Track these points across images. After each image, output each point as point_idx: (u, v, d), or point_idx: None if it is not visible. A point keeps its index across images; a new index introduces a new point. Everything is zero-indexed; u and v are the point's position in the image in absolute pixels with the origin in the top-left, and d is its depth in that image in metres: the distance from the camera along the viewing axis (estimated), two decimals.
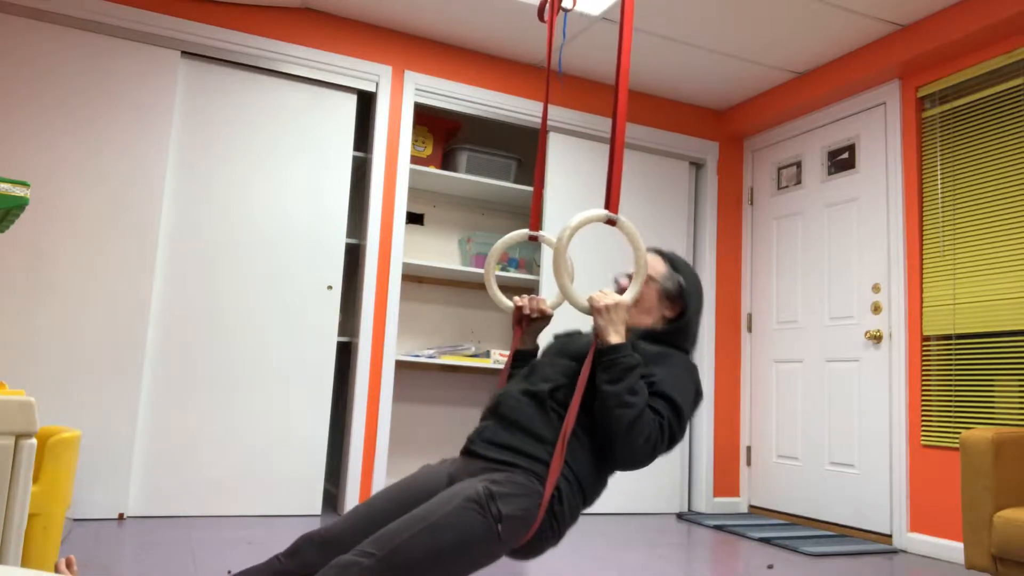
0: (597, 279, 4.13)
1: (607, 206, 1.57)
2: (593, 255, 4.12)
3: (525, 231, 1.97)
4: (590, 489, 1.61)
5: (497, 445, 1.59)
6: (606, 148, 4.27)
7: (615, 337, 1.58)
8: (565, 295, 1.59)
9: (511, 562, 2.69)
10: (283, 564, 1.53)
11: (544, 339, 1.89)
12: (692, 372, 1.71)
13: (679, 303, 1.80)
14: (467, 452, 1.65)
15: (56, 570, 1.67)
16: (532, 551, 1.57)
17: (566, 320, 3.92)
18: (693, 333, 1.81)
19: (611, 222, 1.58)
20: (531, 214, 1.99)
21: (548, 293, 4.00)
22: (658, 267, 1.81)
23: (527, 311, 1.86)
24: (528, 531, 1.49)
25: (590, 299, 1.61)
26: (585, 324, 3.96)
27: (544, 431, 1.57)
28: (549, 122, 4.09)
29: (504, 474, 1.51)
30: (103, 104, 3.25)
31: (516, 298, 1.88)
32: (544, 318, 1.88)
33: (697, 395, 1.69)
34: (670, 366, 1.67)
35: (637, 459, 1.57)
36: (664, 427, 1.58)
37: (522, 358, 1.89)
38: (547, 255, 4.01)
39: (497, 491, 1.45)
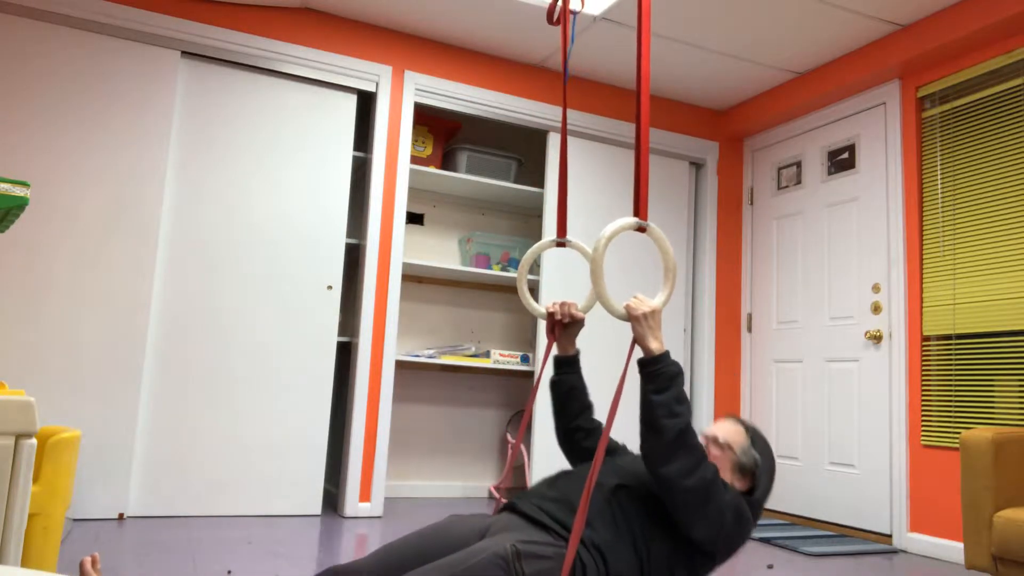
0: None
1: (636, 213, 1.58)
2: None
3: (553, 239, 1.98)
4: None
5: (543, 511, 1.60)
6: (606, 148, 4.28)
7: (655, 343, 1.58)
8: (604, 304, 1.59)
9: None
10: None
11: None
12: (747, 508, 1.68)
13: (750, 480, 1.77)
14: (511, 509, 1.66)
15: (81, 569, 1.68)
16: None
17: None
18: (757, 513, 1.77)
19: (642, 229, 1.59)
20: (558, 221, 1.99)
21: (548, 293, 4.01)
22: (738, 439, 1.78)
23: (559, 316, 1.87)
24: None
25: (627, 307, 1.61)
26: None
27: (593, 517, 1.57)
28: (549, 122, 4.09)
29: (541, 535, 1.52)
30: (103, 104, 3.25)
31: (548, 305, 1.89)
32: (577, 322, 1.89)
33: (741, 512, 1.63)
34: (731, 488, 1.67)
35: (683, 472, 1.52)
36: (713, 468, 1.56)
37: (563, 363, 1.91)
38: (547, 255, 4.01)
39: (524, 551, 1.45)
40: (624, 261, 4.22)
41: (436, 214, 4.38)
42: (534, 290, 4.21)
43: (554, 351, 1.94)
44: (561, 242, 1.97)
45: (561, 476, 1.74)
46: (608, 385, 4.08)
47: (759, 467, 1.76)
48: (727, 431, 1.79)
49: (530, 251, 1.96)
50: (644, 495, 1.64)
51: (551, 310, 1.88)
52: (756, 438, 1.81)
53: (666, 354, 1.58)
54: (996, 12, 3.12)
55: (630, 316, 1.60)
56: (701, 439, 1.78)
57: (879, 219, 3.75)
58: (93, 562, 1.68)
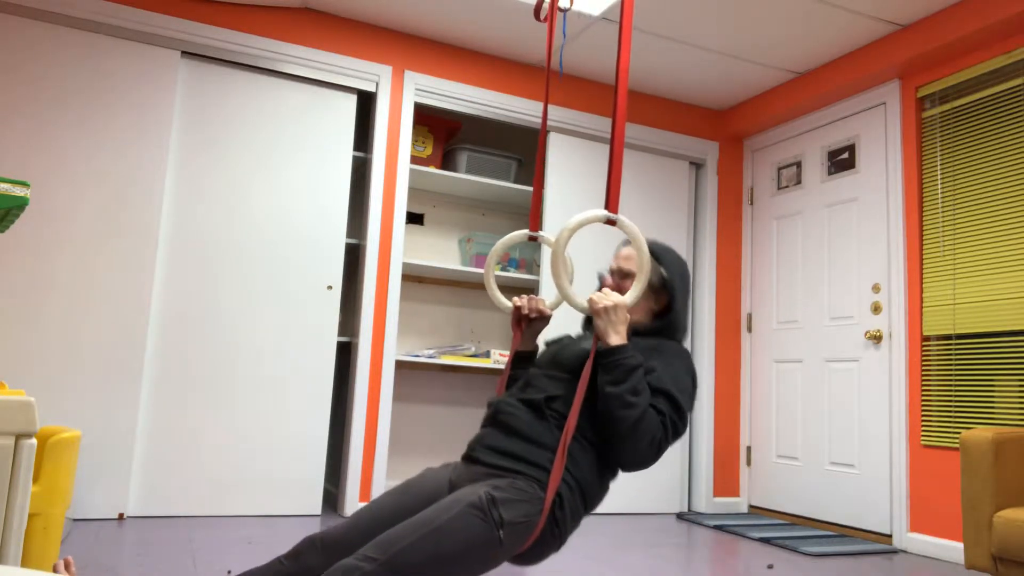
0: (596, 280, 4.12)
1: (607, 206, 1.56)
2: (593, 256, 4.12)
3: (525, 231, 1.97)
4: (592, 494, 1.61)
5: (499, 452, 1.59)
6: (606, 148, 4.27)
7: (616, 338, 1.58)
8: (564, 296, 1.58)
9: (512, 565, 2.68)
10: (285, 566, 1.53)
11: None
12: (686, 360, 1.71)
13: (664, 295, 1.78)
14: (468, 458, 1.65)
15: (54, 571, 1.67)
16: (534, 556, 1.57)
17: (565, 320, 3.93)
18: (683, 323, 1.79)
19: (611, 222, 1.57)
20: (531, 214, 1.99)
21: (548, 293, 4.00)
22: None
23: (526, 311, 1.85)
24: (530, 537, 1.49)
25: (590, 300, 1.60)
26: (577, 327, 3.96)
27: (544, 438, 1.57)
28: (549, 122, 4.09)
29: (506, 480, 1.51)
30: (103, 104, 3.25)
31: (515, 299, 1.87)
32: (543, 318, 1.87)
33: (694, 383, 1.69)
34: (664, 358, 1.66)
35: (643, 459, 1.57)
36: (667, 425, 1.58)
37: (523, 359, 1.88)
38: (547, 255, 4.01)
39: (499, 497, 1.45)
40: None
41: (436, 214, 4.38)
42: (533, 289, 4.21)
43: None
44: (533, 236, 1.96)
45: (500, 407, 1.68)
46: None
47: (667, 280, 1.77)
48: (626, 258, 1.79)
49: (500, 243, 1.93)
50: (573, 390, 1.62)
51: (519, 304, 1.86)
52: (658, 253, 1.80)
53: (625, 346, 1.57)
54: (996, 12, 3.12)
55: (592, 309, 1.60)
56: (607, 278, 1.79)
57: (879, 219, 3.75)
58: (66, 565, 1.67)
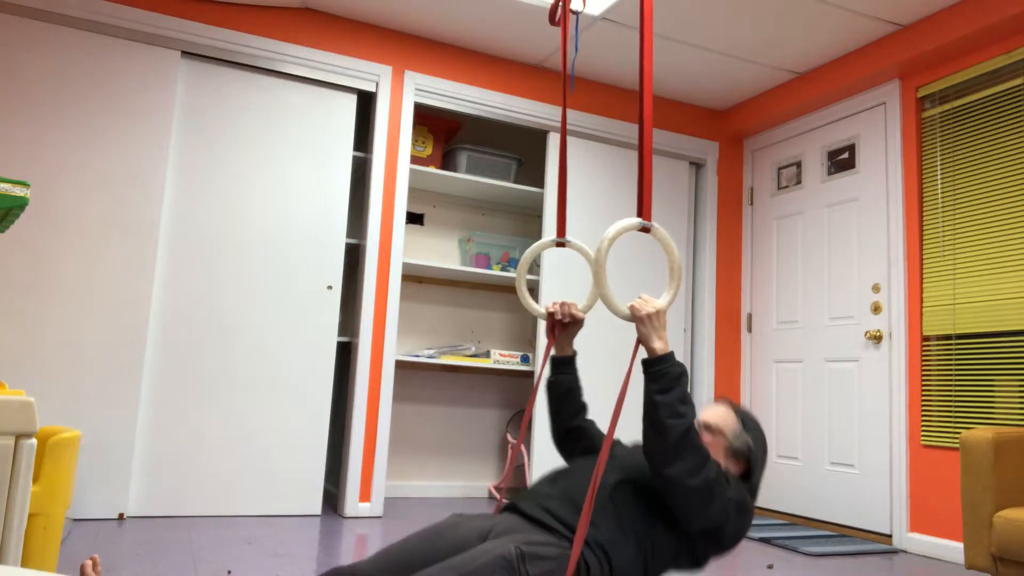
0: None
1: (640, 214, 1.59)
2: (611, 260, 4.11)
3: (552, 239, 1.99)
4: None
5: (547, 511, 1.60)
6: (607, 148, 4.28)
7: (659, 343, 1.58)
8: (607, 304, 1.60)
9: None
10: None
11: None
12: (747, 496, 1.69)
13: (744, 464, 1.79)
14: (513, 509, 1.66)
15: (82, 572, 1.68)
16: None
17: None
18: (754, 496, 1.79)
19: (645, 229, 1.60)
20: (557, 220, 2.00)
21: (548, 293, 4.01)
22: (729, 423, 1.79)
23: (559, 316, 1.87)
24: None
25: (632, 308, 1.61)
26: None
27: (596, 514, 1.58)
28: (549, 122, 4.10)
29: (544, 535, 1.52)
30: (103, 104, 3.25)
31: (548, 305, 1.90)
32: (576, 322, 1.89)
33: (742, 505, 1.65)
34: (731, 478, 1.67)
35: (687, 472, 1.52)
36: (716, 465, 1.57)
37: (560, 363, 1.91)
38: (547, 255, 4.01)
39: (529, 552, 1.45)
40: (623, 261, 4.22)
41: (436, 214, 4.38)
42: (533, 290, 4.21)
43: (552, 351, 1.94)
44: (561, 242, 1.98)
45: (561, 474, 1.74)
46: (608, 386, 4.08)
47: (752, 451, 1.77)
48: (718, 416, 1.80)
49: (529, 251, 1.96)
50: (644, 488, 1.64)
51: (551, 310, 1.88)
52: (747, 421, 1.81)
53: (670, 354, 1.58)
54: (996, 12, 3.12)
55: (634, 316, 1.60)
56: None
57: (879, 219, 3.75)
58: (94, 564, 1.68)
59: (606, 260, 1.58)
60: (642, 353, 1.64)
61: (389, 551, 1.59)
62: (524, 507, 1.64)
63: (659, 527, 1.61)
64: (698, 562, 1.66)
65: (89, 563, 1.68)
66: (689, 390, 3.40)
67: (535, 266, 4.32)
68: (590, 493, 1.48)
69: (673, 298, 1.64)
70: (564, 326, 1.89)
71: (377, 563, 1.56)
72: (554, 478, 1.73)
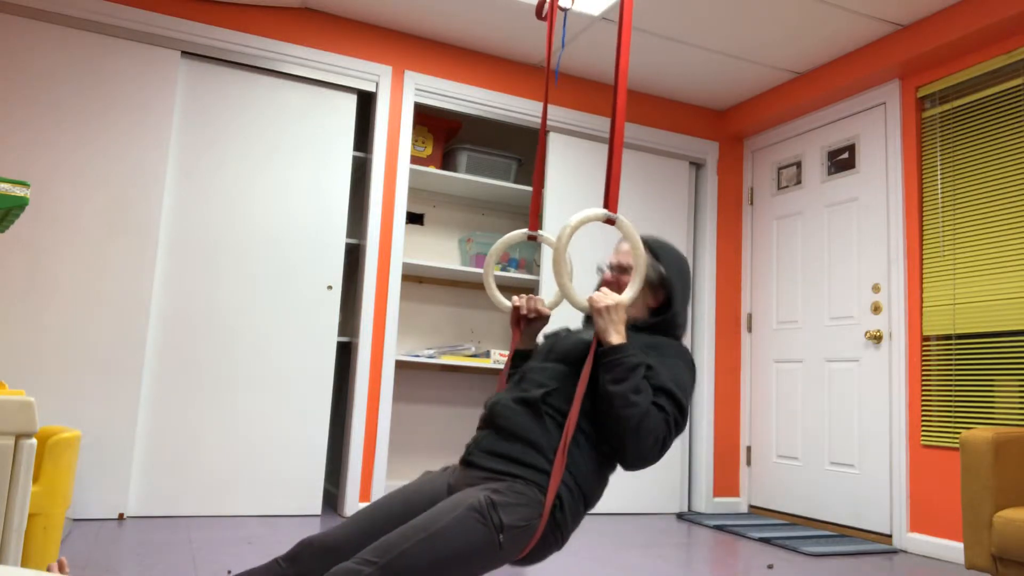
0: (595, 279, 4.12)
1: (606, 205, 1.57)
2: (592, 254, 4.12)
3: (524, 231, 1.97)
4: (591, 492, 1.61)
5: (496, 455, 1.58)
6: (606, 148, 4.27)
7: (616, 337, 1.58)
8: (565, 295, 1.59)
9: (512, 566, 2.68)
10: (283, 569, 1.52)
11: None
12: (685, 356, 1.70)
13: (662, 292, 1.78)
14: (466, 463, 1.64)
15: (48, 571, 1.67)
16: (535, 557, 1.57)
17: (565, 319, 3.93)
18: (682, 321, 1.79)
19: (610, 221, 1.58)
20: (530, 213, 1.99)
21: (548, 292, 4.00)
22: (639, 258, 1.75)
23: (524, 311, 1.85)
24: (530, 540, 1.48)
25: (590, 300, 1.61)
26: (577, 322, 3.96)
27: (541, 439, 1.57)
28: (549, 122, 4.10)
29: (505, 483, 1.51)
30: (103, 104, 3.25)
31: (514, 298, 1.88)
32: (542, 318, 1.87)
33: (693, 379, 1.69)
34: (663, 356, 1.66)
35: (646, 458, 1.57)
36: (670, 422, 1.58)
37: (522, 358, 1.88)
38: (547, 255, 4.01)
39: (499, 500, 1.45)
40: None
41: (436, 214, 4.38)
42: (532, 289, 4.20)
43: (516, 345, 1.91)
44: (532, 235, 1.96)
45: (496, 410, 1.66)
46: None
47: (665, 277, 1.77)
48: (625, 253, 1.80)
49: (498, 243, 1.93)
50: (577, 376, 1.62)
51: (517, 304, 1.86)
52: (657, 249, 1.80)
53: (625, 345, 1.57)
54: (996, 12, 3.12)
55: (592, 308, 1.60)
56: (606, 272, 1.80)
57: (879, 219, 3.75)
58: (60, 566, 1.67)
59: (566, 249, 1.57)
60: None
61: (358, 516, 1.59)
62: (475, 459, 1.61)
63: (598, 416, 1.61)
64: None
65: (56, 565, 1.67)
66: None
67: (535, 266, 4.32)
68: (562, 445, 1.50)
69: (636, 293, 1.63)
70: (529, 321, 1.88)
71: (347, 530, 1.55)
72: (490, 417, 1.66)
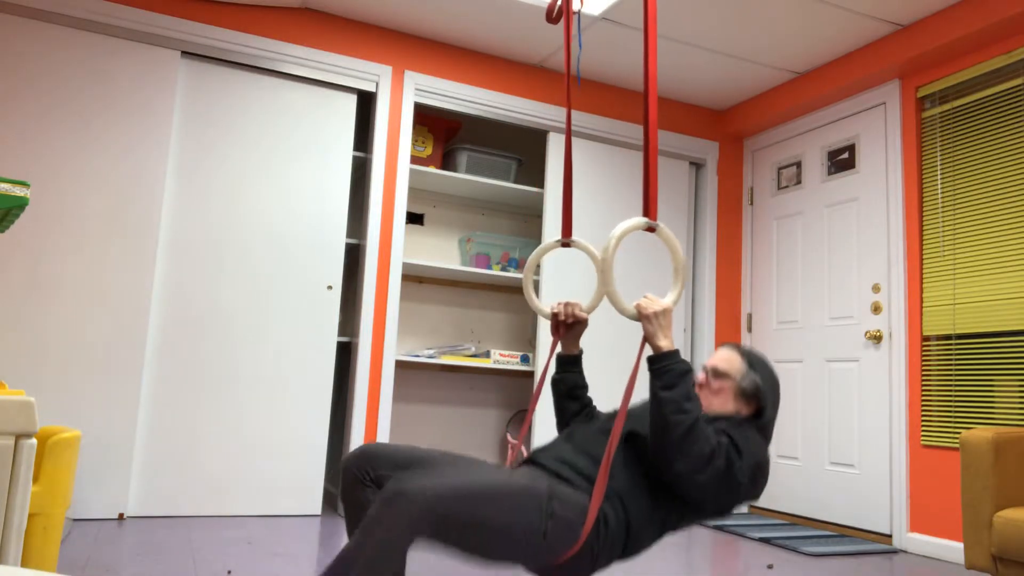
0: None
1: (645, 213, 1.62)
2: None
3: (557, 239, 2.00)
4: (638, 531, 1.59)
5: (564, 463, 1.62)
6: (606, 148, 4.28)
7: (665, 342, 1.60)
8: (614, 304, 1.62)
9: None
10: (363, 478, 1.59)
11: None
12: (762, 450, 1.68)
13: (755, 403, 1.79)
14: (532, 462, 1.67)
15: None
16: (562, 573, 1.56)
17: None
18: (770, 432, 1.79)
19: (651, 229, 1.63)
20: (563, 221, 2.02)
21: (548, 293, 4.01)
22: (734, 364, 1.80)
23: (563, 317, 1.89)
24: (571, 544, 1.48)
25: (638, 306, 1.63)
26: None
27: (614, 466, 1.59)
28: (549, 122, 4.09)
29: (565, 487, 1.54)
30: (103, 104, 3.25)
31: (552, 305, 1.92)
32: (580, 322, 1.91)
33: (758, 470, 1.63)
34: (744, 432, 1.66)
35: (695, 468, 1.53)
36: (724, 447, 1.56)
37: (566, 362, 1.93)
38: (549, 256, 4.01)
39: (558, 491, 1.48)
40: (625, 260, 4.22)
41: (436, 214, 4.38)
42: (534, 289, 4.20)
43: (558, 349, 1.95)
44: (566, 242, 1.99)
45: (577, 431, 1.74)
46: (612, 384, 4.08)
47: (761, 388, 1.78)
48: (722, 359, 1.82)
49: (535, 252, 1.99)
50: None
51: (555, 310, 1.90)
52: (753, 360, 1.82)
53: (675, 352, 1.60)
54: (996, 12, 3.12)
55: (640, 315, 1.63)
56: (700, 374, 1.83)
57: (879, 219, 3.75)
58: None
59: (613, 260, 1.60)
60: (648, 352, 1.65)
61: (415, 448, 1.64)
62: (543, 460, 1.65)
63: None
64: (721, 512, 1.67)
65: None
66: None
67: (535, 266, 4.32)
68: (610, 446, 1.51)
69: (678, 297, 1.67)
70: (568, 326, 1.91)
71: (405, 453, 1.61)
72: (568, 435, 1.74)
